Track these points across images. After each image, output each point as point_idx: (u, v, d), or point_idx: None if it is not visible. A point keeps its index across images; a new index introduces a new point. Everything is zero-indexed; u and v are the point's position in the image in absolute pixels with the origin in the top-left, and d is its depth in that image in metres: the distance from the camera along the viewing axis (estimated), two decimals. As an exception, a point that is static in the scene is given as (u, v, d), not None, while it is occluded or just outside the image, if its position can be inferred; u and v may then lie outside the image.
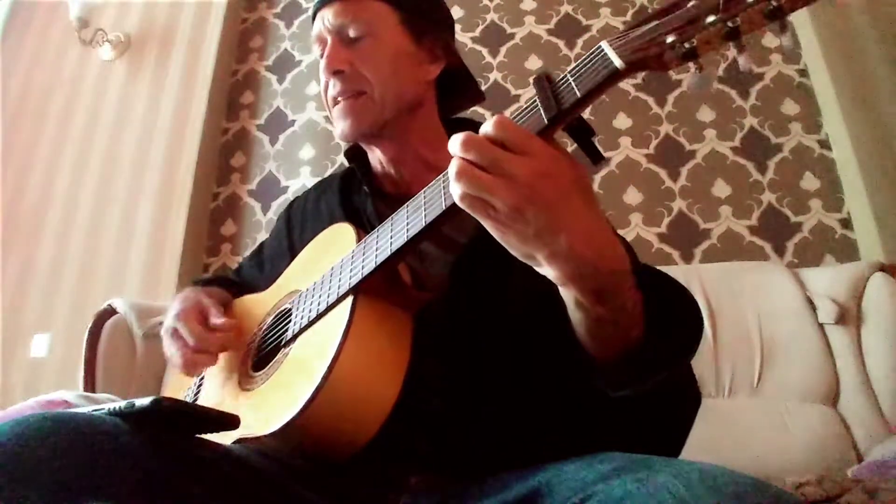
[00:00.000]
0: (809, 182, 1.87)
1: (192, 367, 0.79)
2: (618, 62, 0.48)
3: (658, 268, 0.64)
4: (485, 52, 2.25)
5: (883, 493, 0.92)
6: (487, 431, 0.68)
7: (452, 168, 0.49)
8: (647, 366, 0.55)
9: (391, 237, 0.64)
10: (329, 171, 2.19)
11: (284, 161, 2.31)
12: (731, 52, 0.47)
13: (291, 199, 1.05)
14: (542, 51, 2.22)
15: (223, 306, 0.93)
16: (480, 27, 2.30)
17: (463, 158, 0.49)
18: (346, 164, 0.94)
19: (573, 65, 0.52)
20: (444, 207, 0.57)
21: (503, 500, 0.57)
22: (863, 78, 1.86)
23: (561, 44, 2.21)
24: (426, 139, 0.85)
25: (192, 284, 1.03)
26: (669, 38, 0.47)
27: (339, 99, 0.81)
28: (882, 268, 1.52)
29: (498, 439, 0.67)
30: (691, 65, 0.48)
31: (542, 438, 0.65)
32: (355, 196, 0.89)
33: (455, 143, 0.50)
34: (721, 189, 1.92)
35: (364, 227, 0.80)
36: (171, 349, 0.80)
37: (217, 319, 0.80)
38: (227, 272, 1.10)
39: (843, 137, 1.81)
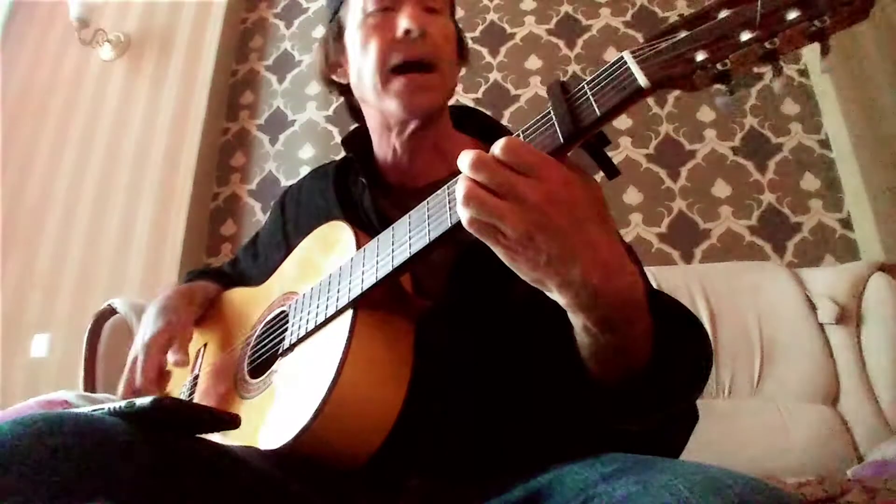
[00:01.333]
0: (809, 182, 1.87)
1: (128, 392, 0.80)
2: (643, 80, 0.44)
3: (659, 274, 0.64)
4: (485, 52, 2.25)
5: (883, 493, 0.92)
6: (487, 434, 0.68)
7: (460, 191, 0.47)
8: (647, 403, 0.54)
9: (392, 251, 0.62)
10: (329, 171, 2.19)
11: (284, 161, 2.31)
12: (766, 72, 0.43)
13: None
14: (542, 51, 2.21)
15: (209, 301, 0.94)
16: (480, 27, 2.30)
17: (472, 180, 0.47)
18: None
19: (592, 76, 0.48)
20: (449, 225, 0.54)
21: (504, 502, 0.57)
22: (863, 78, 1.85)
23: (561, 44, 2.21)
24: (444, 129, 0.85)
25: (186, 276, 1.03)
26: (700, 56, 0.43)
27: (411, 65, 0.75)
28: (882, 268, 1.52)
29: (498, 441, 0.67)
30: (721, 86, 0.43)
31: (543, 440, 0.65)
32: (352, 187, 0.86)
33: (464, 163, 0.47)
34: (721, 189, 1.92)
35: (361, 220, 0.79)
36: (127, 367, 0.81)
37: (172, 356, 0.80)
38: (224, 266, 1.09)
39: (843, 137, 1.81)
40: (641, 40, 0.47)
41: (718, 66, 0.43)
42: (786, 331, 1.51)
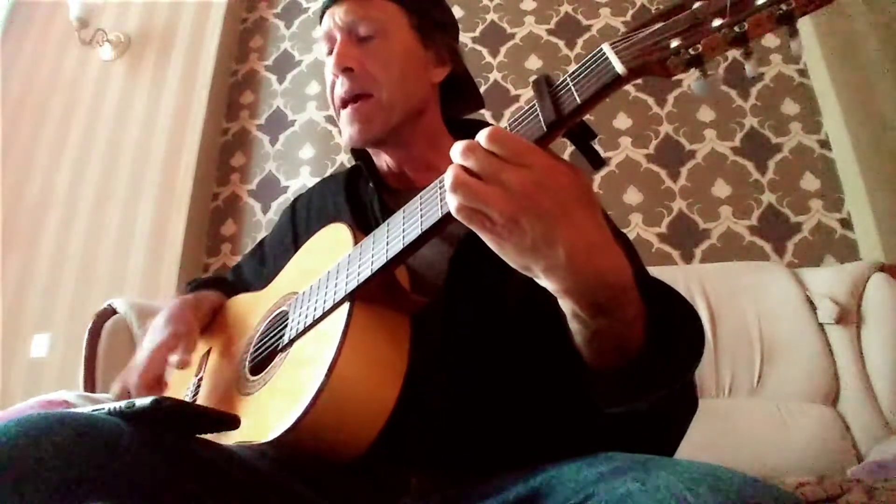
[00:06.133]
0: (809, 182, 1.88)
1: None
2: (619, 68, 0.46)
3: (658, 274, 0.63)
4: (485, 52, 2.25)
5: (883, 492, 0.92)
6: (487, 431, 0.68)
7: (448, 178, 0.49)
8: (642, 385, 0.54)
9: (387, 243, 0.63)
10: (329, 171, 2.19)
11: (284, 161, 2.31)
12: (737, 55, 0.45)
13: (292, 198, 1.05)
14: (542, 51, 2.22)
15: (214, 311, 0.94)
16: (480, 27, 2.30)
17: (460, 167, 0.49)
18: (346, 163, 0.94)
19: (573, 68, 0.51)
20: (440, 214, 0.56)
21: (503, 501, 0.57)
22: (863, 78, 1.85)
23: (561, 44, 2.21)
24: (431, 143, 0.85)
25: (186, 286, 1.03)
26: (674, 43, 0.45)
27: (347, 101, 0.81)
28: (882, 268, 1.52)
29: (498, 439, 0.67)
30: (695, 70, 0.46)
31: (542, 438, 0.65)
32: (362, 192, 0.89)
33: (455, 151, 0.49)
34: (721, 189, 1.92)
35: (369, 222, 0.81)
36: (133, 366, 0.80)
37: (174, 357, 0.80)
38: (226, 273, 1.09)
39: (843, 137, 1.81)
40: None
41: (691, 51, 0.45)
42: (786, 331, 1.51)
